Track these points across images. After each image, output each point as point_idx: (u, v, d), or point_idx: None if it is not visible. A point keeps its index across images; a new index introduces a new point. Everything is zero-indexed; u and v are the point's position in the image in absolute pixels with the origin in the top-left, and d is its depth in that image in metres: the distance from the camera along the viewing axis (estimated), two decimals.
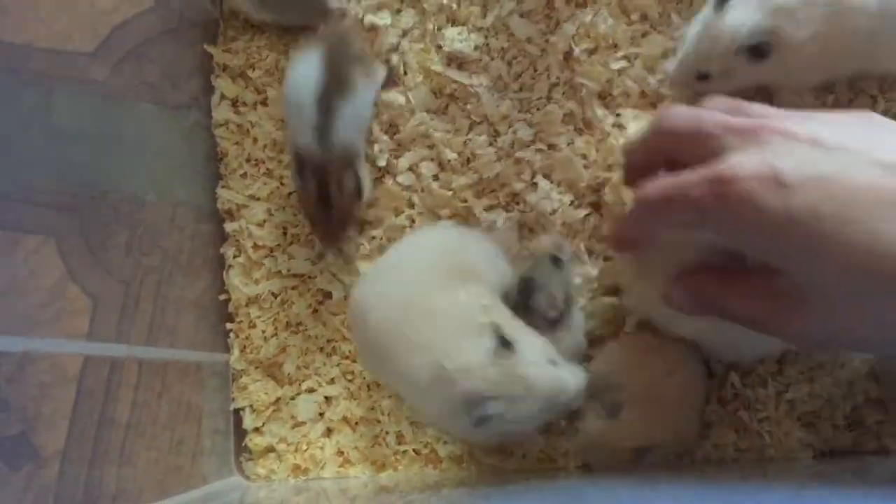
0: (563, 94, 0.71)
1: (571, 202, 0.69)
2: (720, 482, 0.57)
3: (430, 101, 0.73)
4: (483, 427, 0.54)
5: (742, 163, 0.47)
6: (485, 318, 0.56)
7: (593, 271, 0.68)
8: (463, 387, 0.54)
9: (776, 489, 0.52)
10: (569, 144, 0.70)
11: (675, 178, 0.50)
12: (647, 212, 0.53)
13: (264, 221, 0.74)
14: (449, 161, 0.71)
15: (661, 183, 0.51)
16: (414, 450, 0.69)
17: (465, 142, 0.71)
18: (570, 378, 0.57)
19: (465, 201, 0.70)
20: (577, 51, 0.70)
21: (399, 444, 0.69)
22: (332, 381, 0.71)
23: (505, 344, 0.54)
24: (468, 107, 0.72)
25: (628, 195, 0.67)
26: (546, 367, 0.56)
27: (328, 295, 0.72)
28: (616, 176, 0.67)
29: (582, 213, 0.69)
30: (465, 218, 0.70)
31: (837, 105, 0.66)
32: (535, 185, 0.70)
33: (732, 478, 0.58)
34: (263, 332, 0.73)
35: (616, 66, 0.70)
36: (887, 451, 0.63)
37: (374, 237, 0.72)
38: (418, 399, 0.60)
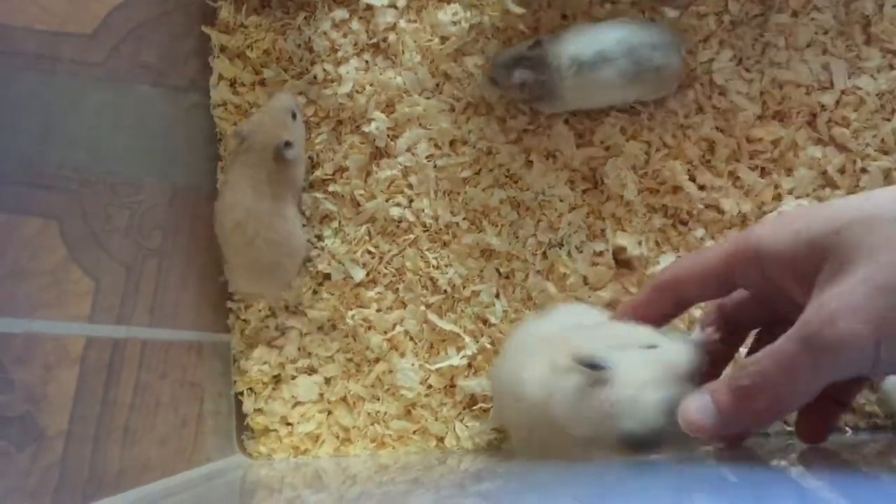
0: None
1: (567, 180, 0.69)
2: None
3: (427, 81, 0.73)
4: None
5: None
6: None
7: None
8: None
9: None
10: (565, 123, 0.70)
11: None
12: None
13: None
14: (445, 141, 0.72)
15: None
16: (413, 430, 0.70)
17: (461, 122, 0.72)
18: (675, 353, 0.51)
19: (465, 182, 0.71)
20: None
21: (396, 422, 0.70)
22: (331, 360, 0.72)
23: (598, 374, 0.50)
24: (464, 87, 0.72)
25: (630, 175, 0.68)
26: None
27: (327, 276, 0.73)
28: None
29: (579, 189, 0.69)
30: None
31: None
32: (530, 163, 0.70)
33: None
34: (261, 311, 0.73)
35: None
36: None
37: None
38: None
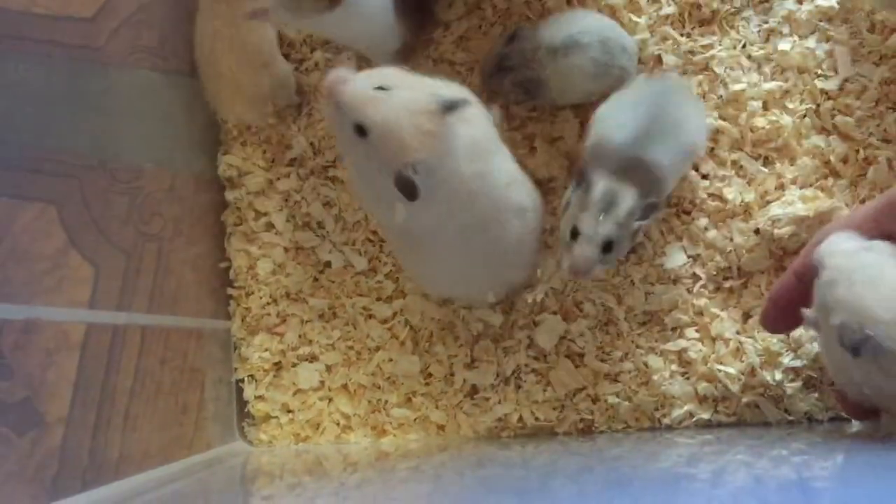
0: None
1: (569, 168, 0.69)
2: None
3: (429, 67, 0.72)
4: None
5: None
6: None
7: None
8: None
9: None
10: (569, 109, 0.70)
11: None
12: None
13: (265, 189, 0.74)
14: None
15: None
16: (413, 418, 0.69)
17: None
18: None
19: None
20: None
21: (396, 410, 0.70)
22: (332, 347, 0.71)
23: None
24: (468, 78, 0.71)
25: None
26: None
27: (328, 264, 0.72)
28: None
29: None
30: None
31: None
32: (534, 149, 0.70)
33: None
34: (262, 298, 0.73)
35: None
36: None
37: None
38: None
